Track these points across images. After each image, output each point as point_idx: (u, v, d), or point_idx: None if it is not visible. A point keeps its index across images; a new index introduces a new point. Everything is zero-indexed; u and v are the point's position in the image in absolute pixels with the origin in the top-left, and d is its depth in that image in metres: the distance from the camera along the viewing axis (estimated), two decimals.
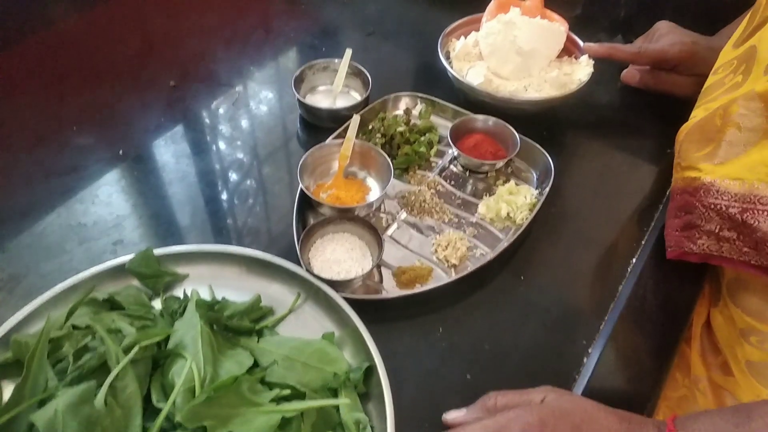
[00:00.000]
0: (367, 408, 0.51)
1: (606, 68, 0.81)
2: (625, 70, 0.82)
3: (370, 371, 0.52)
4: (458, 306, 0.61)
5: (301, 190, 0.66)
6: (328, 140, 0.71)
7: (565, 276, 0.64)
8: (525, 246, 0.66)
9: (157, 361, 0.51)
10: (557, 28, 0.78)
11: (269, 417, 0.47)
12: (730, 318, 0.63)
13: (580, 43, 0.81)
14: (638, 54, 0.78)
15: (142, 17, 0.95)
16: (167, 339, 0.52)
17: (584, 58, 0.79)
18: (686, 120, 0.72)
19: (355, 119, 0.71)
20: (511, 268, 0.64)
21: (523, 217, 0.67)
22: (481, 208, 0.69)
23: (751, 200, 0.52)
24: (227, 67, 0.87)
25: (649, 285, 0.64)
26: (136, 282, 0.59)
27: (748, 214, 0.52)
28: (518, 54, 0.75)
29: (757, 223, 0.52)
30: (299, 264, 0.60)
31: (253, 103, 0.81)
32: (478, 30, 0.82)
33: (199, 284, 0.60)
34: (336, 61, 0.80)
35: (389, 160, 0.68)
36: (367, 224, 0.64)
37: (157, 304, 0.58)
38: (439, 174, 0.73)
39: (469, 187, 0.72)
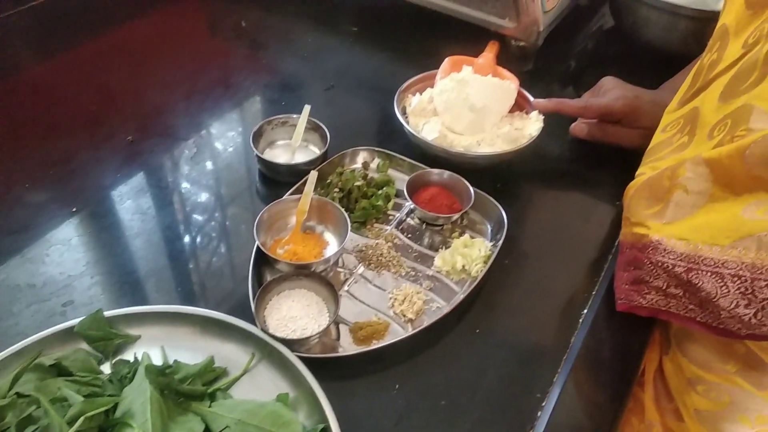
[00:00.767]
0: None
1: (556, 122, 0.84)
2: (573, 124, 0.85)
3: None
4: (415, 361, 0.61)
5: (257, 247, 0.66)
6: (285, 196, 0.72)
7: (520, 328, 0.65)
8: (480, 298, 0.67)
9: (105, 430, 0.49)
10: (508, 85, 0.81)
11: None
12: (679, 366, 0.64)
13: (531, 98, 0.84)
14: (585, 108, 0.81)
15: (100, 71, 0.95)
16: (116, 406, 0.51)
17: (534, 113, 0.82)
18: (633, 171, 0.75)
19: (313, 175, 0.72)
20: (467, 321, 0.65)
21: (478, 269, 0.68)
22: (437, 261, 0.70)
23: (695, 261, 0.54)
24: (186, 122, 0.87)
25: (601, 334, 0.65)
26: (85, 345, 0.58)
27: (693, 273, 0.54)
28: (471, 111, 0.78)
29: (701, 283, 0.53)
30: (254, 323, 0.60)
31: (211, 158, 0.82)
32: (433, 86, 0.85)
33: (152, 346, 0.59)
34: (295, 116, 0.81)
35: (346, 214, 0.69)
36: (324, 280, 0.64)
37: (107, 368, 0.57)
38: (397, 227, 0.74)
39: (425, 240, 0.73)
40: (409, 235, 0.74)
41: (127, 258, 0.69)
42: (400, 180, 0.78)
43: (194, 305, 0.61)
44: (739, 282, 0.51)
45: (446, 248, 0.71)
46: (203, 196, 0.77)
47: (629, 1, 1.01)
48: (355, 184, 0.74)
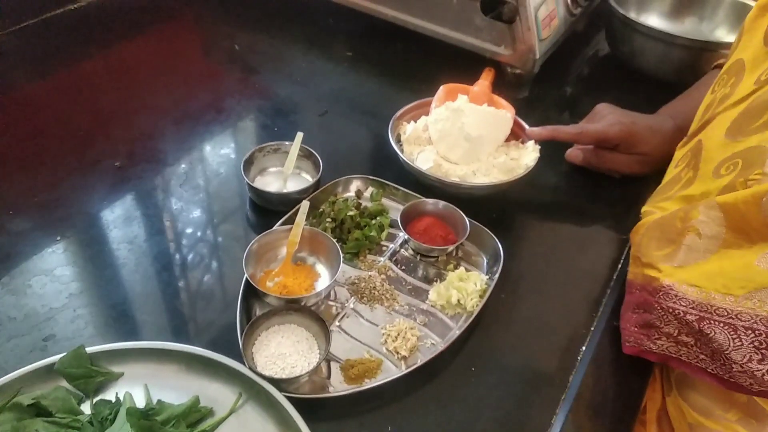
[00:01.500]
0: None
1: (553, 152, 0.83)
2: (569, 150, 0.84)
3: None
4: (408, 401, 0.59)
5: (246, 279, 0.64)
6: (276, 226, 0.70)
7: (517, 366, 0.63)
8: (476, 334, 0.65)
9: None
10: (504, 115, 0.80)
11: None
12: (680, 410, 0.63)
13: (527, 127, 0.83)
14: (580, 134, 0.80)
15: (88, 94, 0.94)
16: None
17: (531, 143, 0.81)
18: (631, 202, 0.74)
19: (305, 205, 0.71)
20: (462, 358, 0.63)
21: (473, 304, 0.66)
22: (432, 294, 0.68)
23: (707, 310, 0.52)
24: (176, 147, 0.86)
25: (601, 373, 0.64)
26: (66, 382, 0.56)
27: (705, 323, 0.52)
28: (466, 140, 0.77)
29: (713, 333, 0.52)
30: (242, 359, 0.57)
31: (201, 185, 0.80)
32: (428, 114, 0.84)
33: (135, 384, 0.57)
34: (287, 143, 0.80)
35: (338, 246, 0.68)
36: (315, 315, 0.62)
37: (89, 407, 0.54)
38: (390, 258, 0.72)
39: (420, 272, 0.72)
40: (403, 267, 0.72)
41: (111, 290, 0.66)
42: (394, 209, 0.77)
43: (180, 340, 0.59)
44: (753, 335, 0.49)
45: (441, 281, 0.69)
46: (192, 225, 0.75)
47: (625, 29, 1.01)
48: (348, 213, 0.73)
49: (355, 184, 0.80)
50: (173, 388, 0.57)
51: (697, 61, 0.95)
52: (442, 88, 0.85)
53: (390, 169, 0.81)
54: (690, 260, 0.55)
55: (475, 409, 0.59)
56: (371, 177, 0.79)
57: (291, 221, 0.70)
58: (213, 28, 1.14)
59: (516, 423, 0.58)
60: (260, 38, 1.10)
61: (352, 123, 0.95)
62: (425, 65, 1.04)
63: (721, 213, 0.52)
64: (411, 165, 0.77)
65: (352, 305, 0.67)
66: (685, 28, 1.11)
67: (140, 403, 0.55)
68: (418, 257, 0.73)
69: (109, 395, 0.55)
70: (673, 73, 0.98)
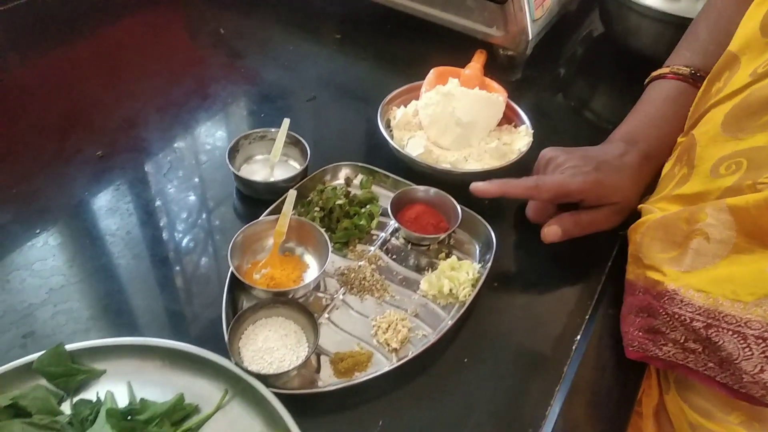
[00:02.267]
0: None
1: (546, 136, 0.81)
2: (543, 229, 0.68)
3: None
4: (400, 395, 0.58)
5: (232, 272, 0.62)
6: (263, 216, 0.68)
7: (510, 357, 0.62)
8: (468, 325, 0.64)
9: None
10: (496, 98, 0.78)
11: None
12: (681, 409, 0.61)
13: (520, 111, 0.81)
14: (536, 188, 0.67)
15: (68, 81, 0.91)
16: None
17: (524, 127, 0.79)
18: None
19: (292, 194, 0.69)
20: (455, 350, 0.62)
21: (466, 293, 0.64)
22: (423, 284, 0.66)
23: (715, 317, 0.50)
24: (159, 136, 0.83)
25: (596, 363, 0.62)
26: (45, 381, 0.54)
27: (712, 330, 0.50)
28: (458, 125, 0.75)
29: (721, 341, 0.50)
30: (228, 355, 0.56)
31: (185, 175, 0.78)
32: (418, 98, 0.82)
33: (118, 381, 0.55)
34: (273, 130, 0.77)
35: (326, 236, 0.66)
36: (303, 308, 0.60)
37: (68, 406, 0.53)
38: (380, 247, 0.71)
39: (411, 261, 0.70)
40: (394, 257, 0.70)
41: (93, 284, 0.64)
42: (384, 197, 0.75)
43: (165, 336, 0.58)
44: (764, 345, 0.47)
45: (432, 270, 0.68)
46: (176, 216, 0.73)
47: (619, 8, 0.98)
48: (337, 202, 0.71)
49: (344, 172, 0.77)
50: (157, 385, 0.55)
51: None
52: (432, 71, 0.82)
53: (380, 156, 0.79)
54: (698, 265, 0.52)
55: (468, 401, 0.58)
56: (360, 164, 0.77)
57: (278, 211, 0.68)
58: (197, 12, 1.10)
59: (510, 414, 0.57)
60: (246, 22, 1.07)
61: (341, 108, 0.92)
62: (415, 48, 1.02)
63: (731, 217, 0.49)
64: (401, 151, 0.75)
65: (341, 296, 0.65)
66: (681, 6, 1.08)
67: (123, 401, 0.53)
68: (409, 246, 0.71)
69: (91, 393, 0.54)
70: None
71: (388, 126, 0.80)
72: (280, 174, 0.76)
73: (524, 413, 0.57)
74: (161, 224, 0.72)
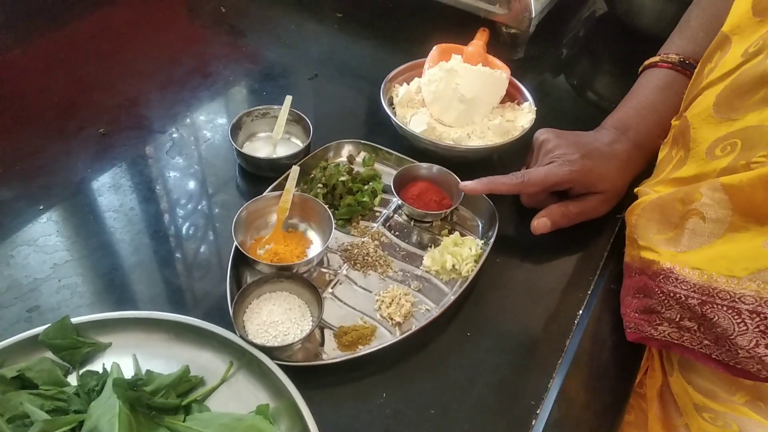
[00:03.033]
0: None
1: (549, 113, 0.81)
2: (533, 222, 0.68)
3: None
4: (403, 367, 0.58)
5: (236, 247, 0.62)
6: (266, 192, 0.68)
7: (512, 330, 0.62)
8: (471, 300, 0.64)
9: None
10: (499, 75, 0.77)
11: None
12: (685, 391, 0.61)
13: (523, 88, 0.80)
14: (522, 184, 0.67)
15: (70, 59, 0.90)
16: (82, 423, 0.47)
17: (527, 104, 0.78)
18: None
19: (295, 170, 0.69)
20: (457, 324, 0.62)
21: (468, 269, 0.65)
22: (426, 260, 0.67)
23: (710, 293, 0.50)
24: (162, 113, 0.83)
25: (598, 337, 0.63)
26: (51, 354, 0.54)
27: (707, 307, 0.50)
28: (461, 102, 0.74)
29: (716, 318, 0.50)
30: (233, 328, 0.56)
31: (188, 152, 0.78)
32: (421, 76, 0.81)
33: (123, 354, 0.56)
34: (276, 107, 0.77)
35: (330, 212, 0.66)
36: (307, 282, 0.61)
37: (74, 379, 0.53)
38: (383, 224, 0.71)
39: (413, 238, 0.70)
40: (397, 233, 0.70)
41: (97, 259, 0.65)
42: (387, 174, 0.75)
43: (169, 310, 0.58)
44: (758, 319, 0.47)
45: (435, 246, 0.68)
46: (179, 193, 0.73)
47: None
48: (340, 179, 0.71)
49: (347, 149, 0.77)
50: (163, 358, 0.56)
51: None
52: (435, 48, 0.82)
53: (382, 133, 0.79)
54: (694, 245, 0.52)
55: (470, 375, 0.58)
56: (363, 141, 0.77)
57: (281, 187, 0.68)
58: None
59: (512, 388, 0.58)
60: (247, 0, 1.07)
61: (343, 86, 0.92)
62: (418, 26, 1.01)
63: (726, 195, 0.49)
64: (404, 128, 0.75)
65: (345, 272, 0.66)
66: None
67: (129, 373, 0.54)
68: (412, 223, 0.71)
69: (97, 366, 0.54)
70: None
71: (390, 103, 0.80)
72: (282, 151, 0.76)
73: (526, 385, 0.58)
74: (164, 200, 0.72)
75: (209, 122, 0.83)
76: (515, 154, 0.77)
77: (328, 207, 0.67)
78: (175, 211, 0.71)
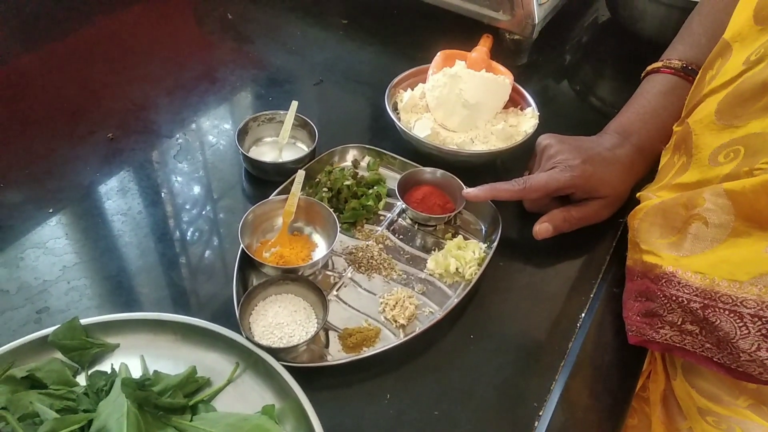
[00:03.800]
0: None
1: (552, 119, 0.81)
2: (534, 227, 0.68)
3: None
4: (407, 369, 0.59)
5: (242, 250, 0.63)
6: (272, 196, 0.69)
7: (515, 333, 0.63)
8: (474, 302, 0.65)
9: None
10: (502, 81, 0.78)
11: None
12: (689, 394, 0.62)
13: (526, 93, 0.81)
14: (524, 190, 0.67)
15: (79, 65, 0.91)
16: (91, 422, 0.48)
17: (530, 110, 0.79)
18: None
19: (300, 174, 0.70)
20: (461, 326, 0.63)
21: (472, 272, 0.65)
22: (430, 263, 0.67)
23: (712, 297, 0.50)
24: (169, 118, 0.84)
25: (600, 339, 0.63)
26: (60, 354, 0.55)
27: (709, 311, 0.51)
28: (464, 107, 0.75)
29: (718, 321, 0.50)
30: (239, 330, 0.57)
31: (195, 156, 0.79)
32: (425, 81, 0.82)
33: (131, 355, 0.56)
34: (282, 112, 0.78)
35: (335, 215, 0.67)
36: (312, 284, 0.61)
37: (84, 379, 0.54)
38: (388, 228, 0.72)
39: (417, 241, 0.71)
40: (401, 237, 0.71)
41: (105, 262, 0.66)
42: (392, 179, 0.76)
43: (176, 311, 0.59)
44: (760, 323, 0.48)
45: (439, 250, 0.69)
46: (187, 196, 0.74)
47: None
48: (345, 183, 0.72)
49: (352, 154, 0.78)
50: (170, 359, 0.56)
51: None
52: (439, 54, 0.83)
53: (387, 138, 0.80)
54: (696, 250, 0.53)
55: (473, 377, 0.59)
56: (368, 146, 0.78)
57: (287, 191, 0.69)
58: None
59: (515, 390, 0.58)
60: (253, 6, 1.08)
61: (348, 92, 0.93)
62: (422, 32, 1.02)
63: (729, 201, 0.50)
64: (408, 133, 0.75)
65: (349, 275, 0.66)
66: None
67: (136, 374, 0.54)
68: (416, 226, 0.72)
69: (105, 366, 0.55)
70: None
71: (395, 109, 0.81)
72: (288, 155, 0.77)
73: (529, 388, 0.58)
74: (171, 204, 0.73)
75: (216, 127, 0.84)
76: (518, 158, 0.78)
77: (333, 211, 0.68)
78: (182, 214, 0.72)
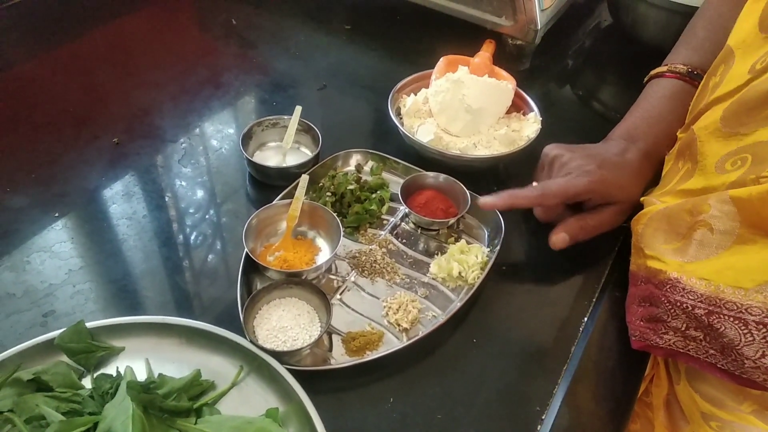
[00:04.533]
0: None
1: (554, 123, 0.82)
2: (551, 237, 0.67)
3: None
4: (410, 373, 0.59)
5: (246, 254, 0.63)
6: (276, 200, 0.70)
7: (518, 337, 0.63)
8: (477, 306, 0.65)
9: None
10: (505, 86, 0.79)
11: None
12: (692, 399, 0.62)
13: (529, 98, 0.82)
14: (542, 196, 0.67)
15: (85, 70, 0.92)
16: (96, 425, 0.48)
17: (532, 114, 0.80)
18: None
19: (304, 179, 0.70)
20: (464, 330, 0.63)
21: (474, 276, 0.66)
22: (433, 267, 0.68)
23: (716, 303, 0.50)
24: (174, 123, 0.85)
25: (603, 343, 0.63)
26: (66, 357, 0.55)
27: (714, 317, 0.51)
28: (467, 112, 0.76)
29: (723, 328, 0.50)
30: (243, 333, 0.57)
31: (200, 161, 0.79)
32: (428, 86, 0.83)
33: (136, 358, 0.57)
34: (286, 117, 0.79)
35: (338, 219, 0.67)
36: (315, 288, 0.62)
37: (90, 381, 0.54)
38: (391, 232, 0.72)
39: (420, 245, 0.71)
40: (404, 241, 0.71)
41: (111, 265, 0.66)
42: (395, 183, 0.76)
43: (181, 315, 0.59)
44: (765, 330, 0.48)
45: (442, 254, 0.69)
46: (191, 201, 0.74)
47: None
48: (348, 187, 0.72)
49: (355, 158, 0.79)
50: (174, 362, 0.57)
51: None
52: (442, 59, 0.83)
53: (390, 143, 0.81)
54: (701, 256, 0.53)
55: (476, 380, 0.59)
56: (371, 151, 0.78)
57: (290, 196, 0.70)
58: (209, 2, 1.12)
59: (517, 394, 0.58)
60: (257, 12, 1.09)
61: (352, 97, 0.93)
62: (425, 38, 1.03)
63: (735, 208, 0.50)
64: (411, 138, 0.76)
65: (353, 279, 0.67)
66: None
67: (141, 377, 0.55)
68: (419, 231, 0.73)
69: (111, 370, 0.56)
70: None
71: (398, 113, 0.81)
72: (292, 160, 0.77)
73: (532, 392, 0.58)
74: (176, 209, 0.73)
75: (220, 132, 0.84)
76: (521, 163, 0.78)
77: (337, 215, 0.68)
78: (186, 218, 0.72)
